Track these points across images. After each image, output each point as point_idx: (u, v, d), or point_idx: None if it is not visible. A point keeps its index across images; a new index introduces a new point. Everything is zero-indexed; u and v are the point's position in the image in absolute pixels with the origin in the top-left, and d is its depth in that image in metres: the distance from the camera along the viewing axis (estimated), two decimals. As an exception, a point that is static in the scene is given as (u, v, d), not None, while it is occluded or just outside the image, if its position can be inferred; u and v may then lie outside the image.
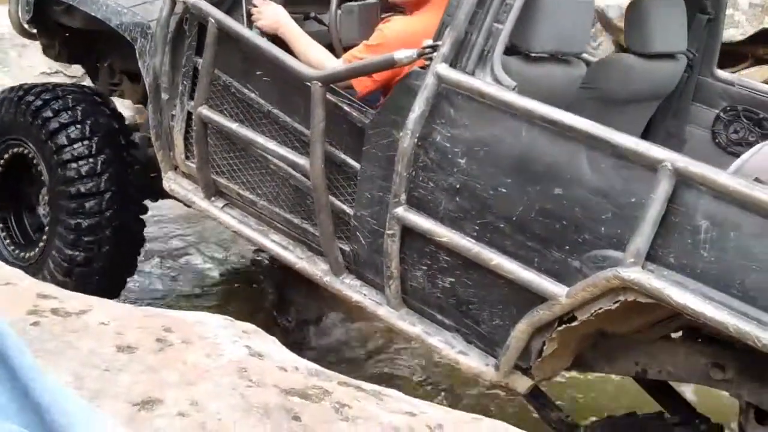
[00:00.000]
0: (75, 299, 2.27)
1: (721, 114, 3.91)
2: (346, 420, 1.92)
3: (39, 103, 4.05)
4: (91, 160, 3.94)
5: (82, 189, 3.91)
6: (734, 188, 2.34)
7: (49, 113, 4.02)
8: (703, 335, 2.78)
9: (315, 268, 3.33)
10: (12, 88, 4.28)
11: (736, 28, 7.36)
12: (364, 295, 3.19)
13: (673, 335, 2.95)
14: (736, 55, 7.18)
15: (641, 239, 2.43)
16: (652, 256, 2.44)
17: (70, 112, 4.02)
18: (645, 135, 3.81)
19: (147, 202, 4.26)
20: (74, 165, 3.93)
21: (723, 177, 2.39)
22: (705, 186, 2.38)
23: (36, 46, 5.10)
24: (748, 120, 3.83)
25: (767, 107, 3.79)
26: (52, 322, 2.09)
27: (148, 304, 4.34)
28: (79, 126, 3.98)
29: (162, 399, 1.84)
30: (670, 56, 3.76)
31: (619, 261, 2.47)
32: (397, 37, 3.16)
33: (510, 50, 3.02)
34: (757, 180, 2.45)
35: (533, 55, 3.09)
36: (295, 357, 2.24)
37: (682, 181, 2.40)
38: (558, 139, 2.64)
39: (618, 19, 7.35)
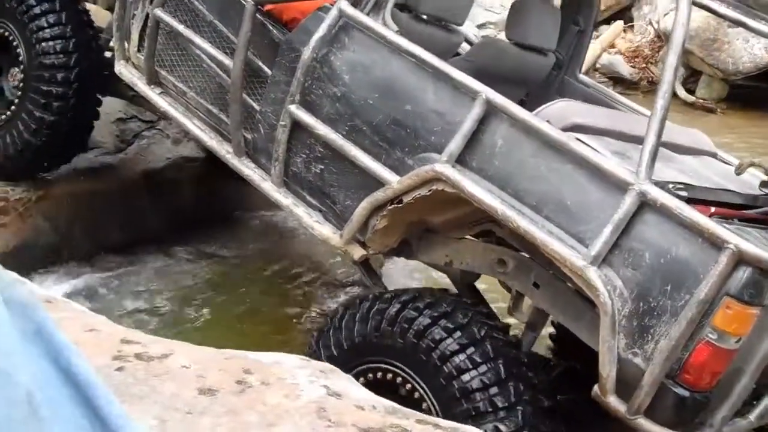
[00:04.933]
0: (158, 343, 2.32)
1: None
2: (424, 456, 1.91)
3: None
4: (66, 40, 4.78)
5: (56, 62, 4.74)
6: (525, 119, 3.25)
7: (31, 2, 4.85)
8: (496, 238, 3.67)
9: (222, 148, 4.20)
10: None
11: None
12: (255, 172, 4.05)
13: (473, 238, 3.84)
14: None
15: (454, 145, 3.33)
16: (460, 160, 3.34)
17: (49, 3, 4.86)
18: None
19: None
20: (50, 44, 4.76)
21: (520, 111, 3.30)
22: (506, 115, 3.29)
23: None
24: None
25: (604, 103, 4.71)
26: (135, 367, 2.12)
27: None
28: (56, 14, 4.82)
29: (244, 440, 1.86)
30: (541, 52, 4.67)
31: (437, 161, 3.37)
32: None
33: (403, 7, 3.93)
34: (547, 122, 3.36)
35: (420, 15, 3.99)
36: (372, 395, 2.29)
37: (491, 109, 3.31)
38: (415, 70, 3.54)
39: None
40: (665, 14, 12.77)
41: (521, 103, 4.81)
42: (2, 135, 5.00)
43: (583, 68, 10.18)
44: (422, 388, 3.27)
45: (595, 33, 11.97)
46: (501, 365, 3.18)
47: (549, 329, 4.34)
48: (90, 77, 4.90)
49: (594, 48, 12.41)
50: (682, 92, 12.28)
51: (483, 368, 3.18)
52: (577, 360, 3.74)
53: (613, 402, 2.99)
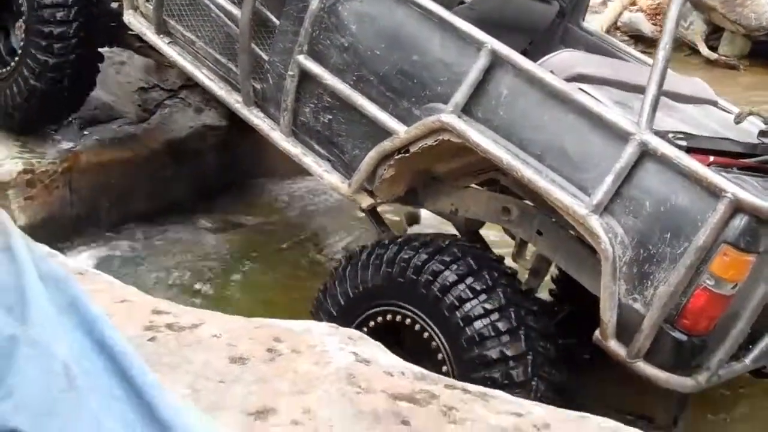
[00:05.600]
0: (188, 314, 2.36)
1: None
2: (454, 423, 1.98)
3: None
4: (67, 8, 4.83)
5: (59, 17, 4.81)
6: (529, 70, 3.32)
7: None
8: (500, 187, 3.76)
9: (231, 98, 4.26)
10: None
11: None
12: (264, 122, 4.12)
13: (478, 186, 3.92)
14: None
15: (460, 96, 3.39)
16: (466, 110, 3.41)
17: None
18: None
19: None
20: (52, 9, 4.82)
21: (524, 62, 3.35)
22: (511, 65, 3.35)
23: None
24: None
25: (611, 55, 4.76)
26: (167, 337, 2.15)
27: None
28: None
29: (275, 408, 1.91)
30: (544, 0, 4.71)
31: (443, 111, 3.44)
32: None
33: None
34: (551, 72, 3.42)
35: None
36: (401, 362, 2.32)
37: (496, 60, 3.37)
38: (421, 20, 3.59)
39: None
40: (688, -30, 12.55)
41: (524, 52, 4.87)
42: (9, 85, 5.07)
43: (605, 26, 10.32)
44: (431, 328, 3.39)
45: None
46: (512, 313, 3.30)
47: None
48: (91, 25, 4.94)
49: (615, 6, 12.30)
50: (704, 49, 12.13)
51: (495, 315, 3.29)
52: (579, 305, 3.84)
53: (614, 346, 3.10)
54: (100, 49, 5.22)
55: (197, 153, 6.19)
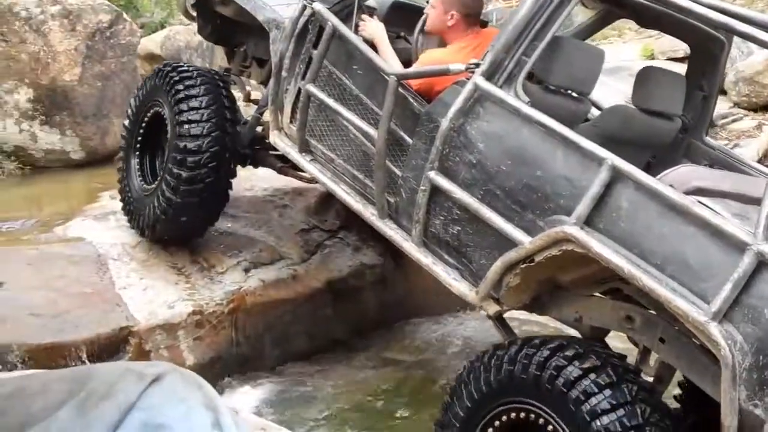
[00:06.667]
0: None
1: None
2: None
3: (176, 77, 5.49)
4: (201, 124, 5.36)
5: (192, 132, 5.34)
6: (649, 184, 3.50)
7: (180, 87, 5.44)
8: (622, 296, 3.89)
9: (367, 211, 4.58)
10: (158, 68, 5.79)
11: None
12: (397, 233, 4.40)
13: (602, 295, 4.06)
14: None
15: (582, 208, 3.59)
16: (588, 222, 3.60)
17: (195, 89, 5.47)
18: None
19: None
20: (189, 125, 5.36)
21: (644, 176, 3.54)
22: (631, 180, 3.54)
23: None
24: None
25: (733, 168, 4.88)
26: None
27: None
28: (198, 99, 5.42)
29: None
30: (667, 116, 4.88)
31: (566, 223, 3.64)
32: (437, 60, 4.43)
33: (533, 78, 4.24)
34: (671, 186, 3.59)
35: (550, 86, 4.29)
36: None
37: (617, 174, 3.57)
38: (545, 138, 3.83)
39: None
40: None
41: (648, 165, 5.04)
42: (152, 199, 5.62)
43: (762, 151, 10.11)
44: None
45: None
46: (638, 409, 3.39)
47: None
48: (223, 141, 5.45)
49: None
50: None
51: (621, 411, 3.37)
52: (704, 413, 3.89)
53: (735, 451, 3.17)
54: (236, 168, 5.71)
55: (356, 291, 6.40)
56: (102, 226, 6.15)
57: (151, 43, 13.64)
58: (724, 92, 12.17)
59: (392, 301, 6.55)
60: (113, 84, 9.64)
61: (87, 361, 4.76)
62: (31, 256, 5.61)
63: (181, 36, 13.87)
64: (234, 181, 5.67)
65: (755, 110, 11.46)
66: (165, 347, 5.19)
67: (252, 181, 6.97)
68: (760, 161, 9.04)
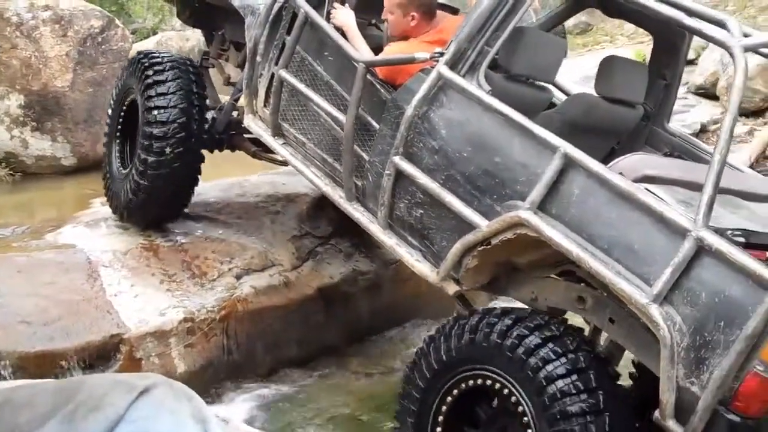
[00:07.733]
0: None
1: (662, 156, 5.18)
2: None
3: (146, 63, 5.71)
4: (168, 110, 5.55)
5: (159, 118, 5.51)
6: (598, 172, 3.66)
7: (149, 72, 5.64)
8: (575, 277, 4.06)
9: (335, 193, 4.75)
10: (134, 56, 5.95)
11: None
12: (363, 215, 4.56)
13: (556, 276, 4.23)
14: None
15: (536, 194, 3.76)
16: (541, 207, 3.77)
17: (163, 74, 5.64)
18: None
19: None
20: (156, 111, 5.53)
21: (594, 164, 3.70)
22: (582, 167, 3.71)
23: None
24: None
25: (693, 155, 5.05)
26: None
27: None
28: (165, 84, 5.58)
29: None
30: (629, 104, 5.03)
31: (521, 208, 3.80)
32: (400, 50, 4.59)
33: (496, 67, 4.39)
34: (620, 174, 3.75)
35: (512, 75, 4.44)
36: None
37: (569, 162, 3.73)
38: (504, 126, 3.99)
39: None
40: None
41: (611, 153, 5.19)
42: (125, 183, 5.84)
43: (754, 156, 10.12)
44: (520, 395, 3.63)
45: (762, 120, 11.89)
46: (601, 395, 3.53)
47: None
48: (189, 126, 5.61)
49: (764, 135, 11.78)
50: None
51: (584, 396, 3.52)
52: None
53: (672, 426, 3.34)
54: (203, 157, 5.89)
55: (348, 297, 6.39)
56: (93, 232, 6.15)
57: (143, 48, 13.67)
58: (716, 98, 12.31)
59: (385, 308, 6.55)
60: (105, 90, 9.56)
61: (78, 369, 4.77)
62: (21, 263, 5.54)
63: (173, 42, 13.87)
64: (225, 187, 5.75)
65: (747, 116, 11.62)
66: (156, 354, 5.16)
67: (244, 187, 7.00)
68: (752, 167, 9.15)
